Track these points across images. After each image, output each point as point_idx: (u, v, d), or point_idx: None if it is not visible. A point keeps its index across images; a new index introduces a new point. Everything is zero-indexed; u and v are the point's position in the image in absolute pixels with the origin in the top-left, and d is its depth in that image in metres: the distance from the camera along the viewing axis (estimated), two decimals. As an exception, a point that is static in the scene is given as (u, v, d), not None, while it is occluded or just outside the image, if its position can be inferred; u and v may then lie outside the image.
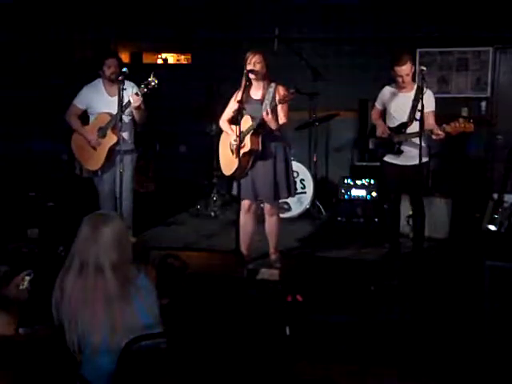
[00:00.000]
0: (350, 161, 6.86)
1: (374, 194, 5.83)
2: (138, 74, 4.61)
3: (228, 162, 4.54)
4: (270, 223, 4.65)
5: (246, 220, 4.55)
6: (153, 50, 7.84)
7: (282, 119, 4.37)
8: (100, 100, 4.87)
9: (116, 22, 7.35)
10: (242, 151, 4.27)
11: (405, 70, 4.44)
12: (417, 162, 4.27)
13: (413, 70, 4.55)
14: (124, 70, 4.30)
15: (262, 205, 4.73)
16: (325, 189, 6.53)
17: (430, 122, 4.42)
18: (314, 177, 6.15)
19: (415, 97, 4.47)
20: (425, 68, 4.48)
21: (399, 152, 4.59)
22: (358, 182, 5.88)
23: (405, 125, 4.54)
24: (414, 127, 4.39)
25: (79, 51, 7.60)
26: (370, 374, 3.22)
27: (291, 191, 4.56)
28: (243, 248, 4.56)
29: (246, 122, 4.30)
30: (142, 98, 4.54)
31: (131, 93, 4.54)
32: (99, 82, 4.93)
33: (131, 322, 2.33)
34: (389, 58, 4.63)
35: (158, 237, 5.52)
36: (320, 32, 6.96)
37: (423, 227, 4.74)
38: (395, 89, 4.64)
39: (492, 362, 3.27)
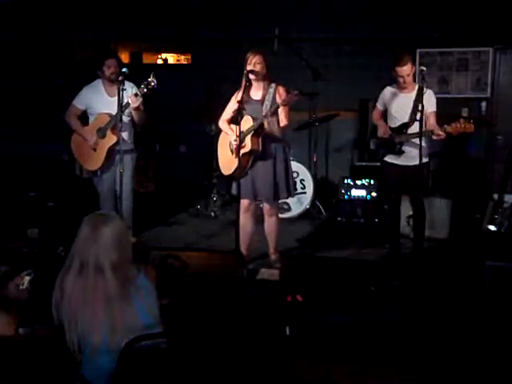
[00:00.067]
0: (350, 161, 6.85)
1: (374, 194, 5.82)
2: (137, 74, 4.60)
3: (227, 162, 4.54)
4: (270, 223, 4.65)
5: (245, 220, 4.55)
6: (153, 50, 7.85)
7: (283, 121, 4.37)
8: (100, 100, 4.87)
9: (116, 22, 7.35)
10: (242, 151, 4.27)
11: (406, 70, 4.44)
12: (417, 162, 4.28)
13: (413, 71, 4.56)
14: (124, 70, 4.29)
15: (261, 205, 4.73)
16: (325, 189, 6.52)
17: (432, 122, 4.43)
18: (314, 177, 6.15)
19: (416, 97, 4.47)
20: (425, 68, 4.51)
21: (400, 152, 4.59)
22: (358, 182, 5.88)
23: (406, 125, 4.54)
24: (416, 127, 4.37)
25: (79, 51, 7.61)
26: (370, 374, 3.21)
27: (291, 191, 4.56)
28: (243, 248, 4.56)
29: (246, 123, 4.30)
30: (141, 99, 4.53)
31: (131, 93, 4.54)
32: (99, 83, 4.93)
33: (131, 322, 2.33)
34: (389, 58, 4.64)
35: (158, 237, 5.52)
36: (320, 32, 6.96)
37: (423, 227, 4.73)
38: (396, 89, 4.64)
39: (492, 361, 3.27)
